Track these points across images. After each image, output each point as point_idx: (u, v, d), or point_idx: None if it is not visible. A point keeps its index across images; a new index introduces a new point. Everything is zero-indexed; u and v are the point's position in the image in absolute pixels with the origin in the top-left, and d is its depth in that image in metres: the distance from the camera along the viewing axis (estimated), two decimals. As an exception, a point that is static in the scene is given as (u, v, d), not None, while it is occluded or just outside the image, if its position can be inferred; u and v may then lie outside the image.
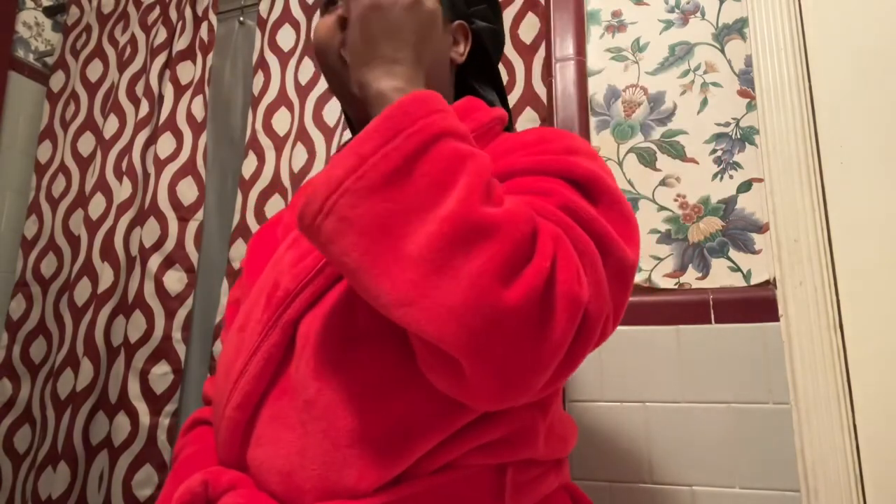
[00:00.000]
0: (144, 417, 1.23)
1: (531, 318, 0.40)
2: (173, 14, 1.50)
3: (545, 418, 0.56)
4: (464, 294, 0.39)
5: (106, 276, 1.34)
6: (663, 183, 1.08)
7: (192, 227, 1.35)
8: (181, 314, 1.30)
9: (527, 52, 1.16)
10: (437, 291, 0.39)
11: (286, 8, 1.38)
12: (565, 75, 1.15)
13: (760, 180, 1.02)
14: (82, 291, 1.38)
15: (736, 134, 1.06)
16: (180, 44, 1.46)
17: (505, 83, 0.89)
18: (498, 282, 0.39)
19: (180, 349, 1.28)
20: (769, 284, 0.98)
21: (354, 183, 0.41)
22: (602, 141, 1.13)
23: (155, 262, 1.31)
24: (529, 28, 1.17)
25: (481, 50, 0.72)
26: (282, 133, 1.31)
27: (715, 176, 1.05)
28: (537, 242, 0.42)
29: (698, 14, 1.13)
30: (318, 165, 1.25)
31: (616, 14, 1.18)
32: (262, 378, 0.54)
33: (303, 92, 1.32)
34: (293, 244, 0.60)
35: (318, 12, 1.36)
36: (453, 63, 0.69)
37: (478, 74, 0.73)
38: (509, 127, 0.70)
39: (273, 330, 0.55)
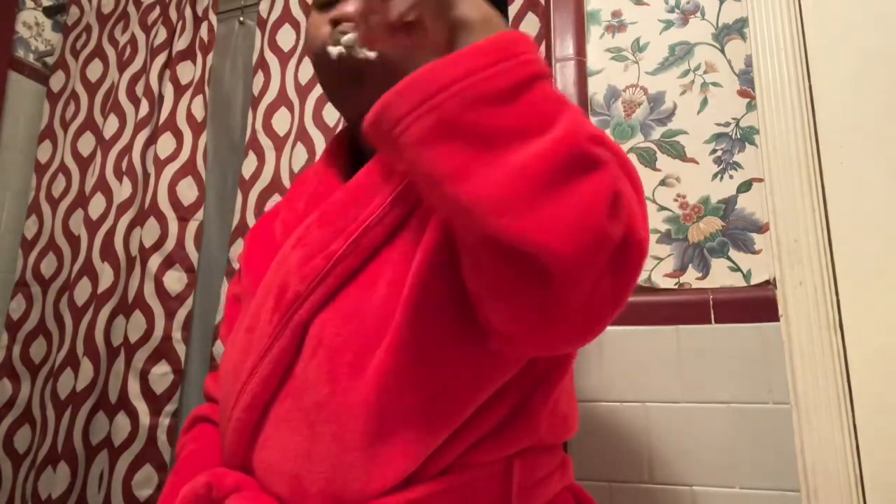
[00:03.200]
0: (144, 417, 1.23)
1: (621, 253, 0.41)
2: (173, 14, 1.50)
3: (546, 399, 0.56)
4: (577, 211, 0.39)
5: (106, 276, 1.34)
6: (663, 183, 1.08)
7: (192, 227, 1.35)
8: (181, 314, 1.30)
9: (527, 52, 1.16)
10: (549, 204, 0.38)
11: (286, 8, 1.38)
12: (565, 75, 1.15)
13: (760, 180, 1.02)
14: (82, 291, 1.38)
15: (736, 134, 1.06)
16: (180, 44, 1.45)
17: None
18: (607, 210, 0.39)
19: (180, 349, 1.28)
20: (769, 284, 0.98)
21: (464, 90, 0.40)
22: (602, 141, 1.13)
23: (155, 262, 1.31)
24: (529, 28, 1.17)
25: None
26: (282, 133, 1.31)
27: (715, 176, 1.05)
28: (621, 188, 0.42)
29: (698, 14, 1.13)
30: (318, 165, 1.25)
31: (616, 14, 1.18)
32: (271, 380, 0.54)
33: (303, 92, 1.32)
34: (298, 242, 0.59)
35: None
36: None
37: None
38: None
39: (283, 332, 0.54)
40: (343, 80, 0.60)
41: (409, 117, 0.40)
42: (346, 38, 0.56)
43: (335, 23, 0.60)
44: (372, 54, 0.55)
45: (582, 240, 0.38)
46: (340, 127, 1.25)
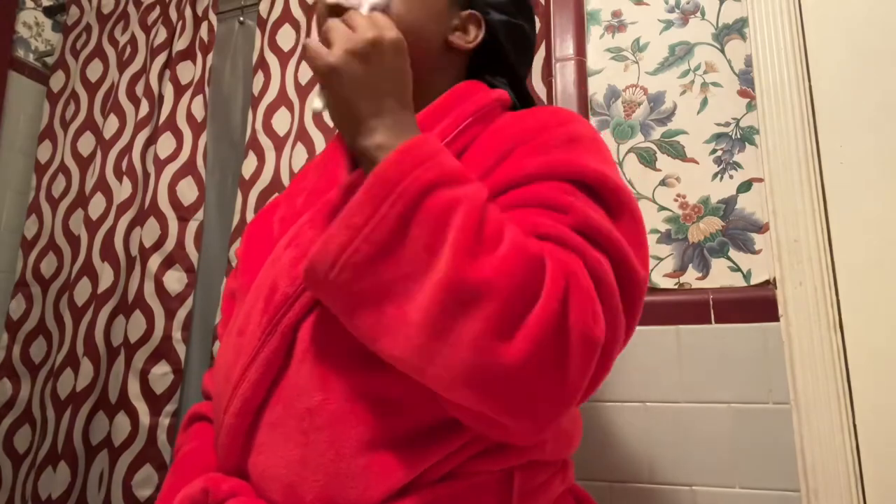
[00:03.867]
0: (144, 417, 1.23)
1: (543, 363, 0.41)
2: (173, 14, 1.50)
3: None
4: (465, 358, 0.41)
5: (106, 276, 1.34)
6: (663, 183, 1.08)
7: (192, 226, 1.35)
8: (181, 314, 1.30)
9: (527, 52, 1.16)
10: (441, 358, 0.41)
11: (286, 8, 1.38)
12: (565, 75, 1.15)
13: (760, 180, 1.02)
14: (82, 291, 1.38)
15: (736, 134, 1.06)
16: (180, 44, 1.45)
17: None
18: (497, 340, 0.40)
19: (180, 349, 1.28)
20: (769, 284, 0.98)
21: (350, 258, 0.44)
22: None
23: (155, 262, 1.31)
24: (529, 28, 1.16)
25: (495, 42, 0.70)
26: (282, 133, 1.31)
27: (715, 176, 1.05)
28: (545, 281, 0.42)
29: (698, 14, 1.13)
30: (318, 165, 1.25)
31: (616, 14, 1.18)
32: (261, 384, 0.53)
33: (303, 92, 1.31)
34: (292, 242, 0.58)
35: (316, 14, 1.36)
36: (457, 47, 0.66)
37: (491, 66, 0.70)
38: (517, 106, 0.68)
39: (272, 336, 0.53)
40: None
41: (321, 295, 0.47)
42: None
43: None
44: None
45: (480, 382, 0.41)
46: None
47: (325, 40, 0.50)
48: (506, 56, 0.71)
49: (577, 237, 0.47)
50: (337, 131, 1.33)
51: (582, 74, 1.15)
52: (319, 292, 0.47)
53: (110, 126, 1.48)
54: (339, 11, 0.58)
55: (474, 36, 0.68)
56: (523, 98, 0.72)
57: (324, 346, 0.52)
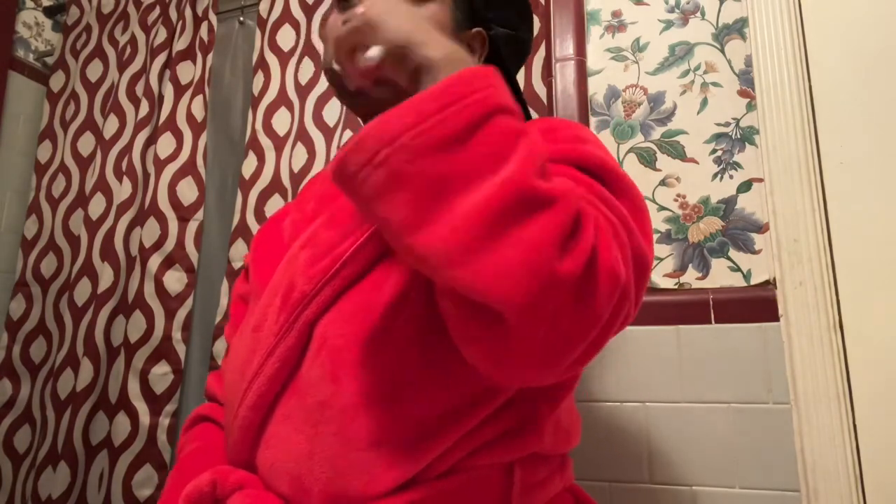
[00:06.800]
0: (144, 417, 1.23)
1: (581, 288, 0.40)
2: (173, 14, 1.50)
3: (552, 411, 0.57)
4: (522, 256, 0.39)
5: (106, 276, 1.34)
6: (663, 183, 1.08)
7: (192, 227, 1.35)
8: (181, 314, 1.30)
9: (527, 52, 1.16)
10: (494, 254, 0.39)
11: (286, 8, 1.38)
12: (565, 75, 1.15)
13: (760, 180, 1.02)
14: (82, 291, 1.38)
15: (736, 134, 1.06)
16: (180, 44, 1.45)
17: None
18: (555, 249, 0.39)
19: (180, 349, 1.28)
20: (769, 284, 0.98)
21: (413, 139, 0.40)
22: (602, 141, 1.13)
23: (155, 262, 1.31)
24: (529, 28, 1.17)
25: (496, 56, 0.71)
26: (282, 133, 1.31)
27: (715, 176, 1.05)
28: (581, 221, 0.42)
29: (698, 14, 1.13)
30: (318, 165, 1.25)
31: (616, 14, 1.18)
32: (276, 379, 0.55)
33: (303, 92, 1.32)
34: (308, 243, 0.59)
35: (317, 13, 1.36)
36: None
37: None
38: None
39: (289, 332, 0.55)
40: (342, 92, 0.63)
41: (363, 172, 0.41)
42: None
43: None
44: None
45: (529, 284, 0.39)
46: (341, 127, 1.25)
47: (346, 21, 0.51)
48: (507, 69, 0.72)
49: (596, 199, 0.48)
50: (340, 133, 1.33)
51: (582, 74, 1.15)
52: (364, 170, 0.42)
53: (110, 126, 1.48)
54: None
55: (479, 55, 0.69)
56: (525, 110, 0.73)
57: (338, 343, 0.53)
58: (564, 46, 1.16)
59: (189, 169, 1.38)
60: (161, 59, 1.47)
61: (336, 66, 0.53)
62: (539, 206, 0.40)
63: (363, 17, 0.47)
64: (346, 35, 0.48)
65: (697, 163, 1.07)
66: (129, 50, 1.54)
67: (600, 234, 0.43)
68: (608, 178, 0.52)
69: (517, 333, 0.41)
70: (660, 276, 1.04)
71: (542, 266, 0.39)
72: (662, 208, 1.07)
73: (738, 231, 1.02)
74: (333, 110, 1.28)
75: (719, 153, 1.06)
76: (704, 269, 1.02)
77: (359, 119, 0.71)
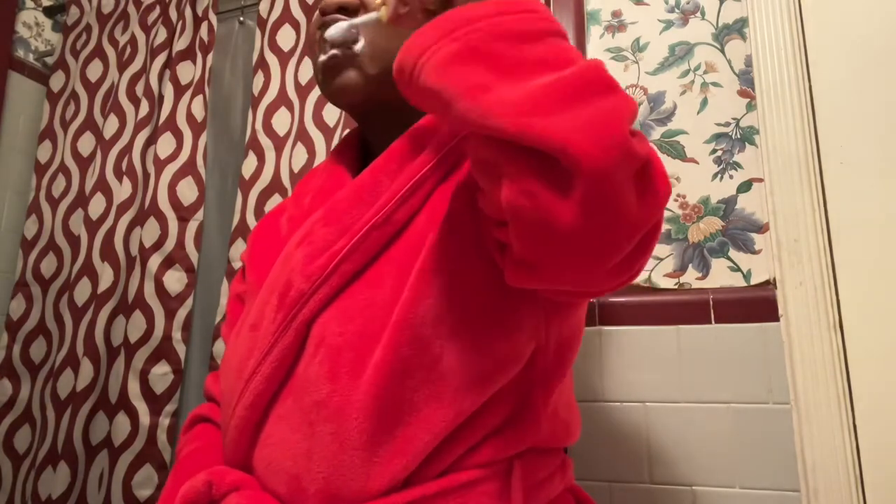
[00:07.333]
0: (144, 417, 1.23)
1: (644, 174, 0.40)
2: (173, 14, 1.50)
3: (548, 398, 0.56)
4: (603, 118, 0.38)
5: (106, 276, 1.34)
6: (663, 183, 1.08)
7: (192, 227, 1.35)
8: (181, 314, 1.30)
9: (527, 52, 1.16)
10: (572, 111, 0.38)
11: (286, 8, 1.38)
12: (565, 75, 1.15)
13: (760, 180, 1.02)
14: (82, 291, 1.38)
15: (736, 134, 1.06)
16: (180, 44, 1.45)
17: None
18: (628, 127, 0.39)
19: (180, 349, 1.28)
20: (769, 284, 0.98)
21: (492, 26, 0.42)
22: (602, 141, 1.13)
23: (155, 262, 1.31)
24: (529, 28, 1.17)
25: None
26: (282, 133, 1.31)
27: (715, 176, 1.05)
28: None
29: (698, 14, 1.13)
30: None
31: (616, 14, 1.18)
32: (274, 378, 0.54)
33: (303, 92, 1.32)
34: (303, 240, 0.59)
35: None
36: None
37: None
38: None
39: (287, 331, 0.54)
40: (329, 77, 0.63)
41: (437, 44, 0.42)
42: (329, 34, 0.59)
43: (323, 24, 0.61)
44: (358, 47, 0.58)
45: (608, 143, 0.37)
46: (341, 127, 1.25)
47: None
48: None
49: None
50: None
51: (582, 74, 1.15)
52: (439, 42, 0.42)
53: (110, 126, 1.48)
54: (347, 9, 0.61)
55: None
56: None
57: (335, 341, 0.53)
58: (564, 46, 1.16)
59: (189, 169, 1.38)
60: (161, 59, 1.47)
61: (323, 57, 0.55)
62: (612, 91, 0.40)
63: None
64: None
65: (697, 163, 1.07)
66: (129, 50, 1.54)
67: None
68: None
69: (586, 195, 0.37)
70: (660, 276, 1.04)
71: (621, 132, 0.38)
72: (662, 208, 1.07)
73: (738, 231, 1.02)
74: (333, 110, 1.28)
75: (719, 153, 1.06)
76: (704, 269, 1.02)
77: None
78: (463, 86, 0.41)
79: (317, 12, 0.64)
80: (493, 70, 0.41)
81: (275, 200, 1.27)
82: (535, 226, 0.40)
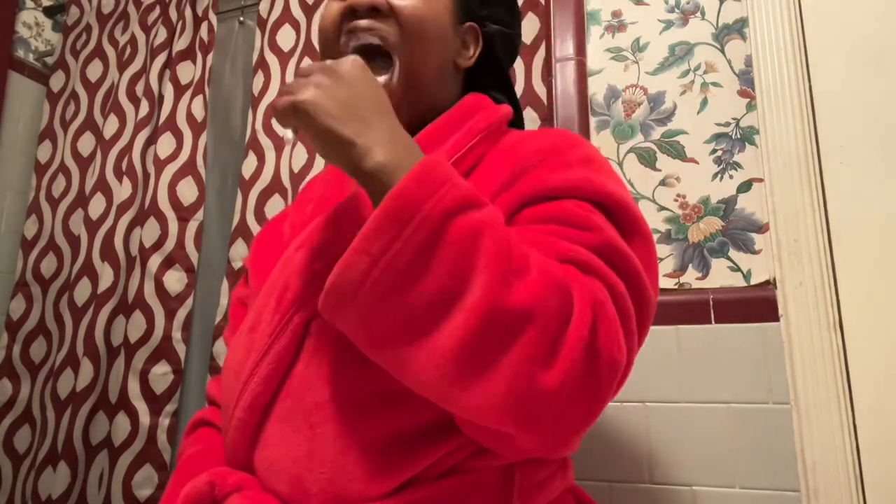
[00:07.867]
0: (144, 417, 1.23)
1: (578, 388, 0.41)
2: (173, 14, 1.50)
3: None
4: (506, 385, 0.40)
5: (106, 276, 1.34)
6: (663, 183, 1.08)
7: (192, 227, 1.35)
8: (181, 314, 1.30)
9: (527, 52, 1.16)
10: (479, 385, 0.40)
11: (286, 8, 1.38)
12: (565, 75, 1.15)
13: (760, 180, 1.02)
14: (82, 291, 1.38)
15: (736, 134, 1.06)
16: (180, 44, 1.45)
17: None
18: (538, 366, 0.40)
19: (180, 349, 1.28)
20: (769, 284, 0.98)
21: (371, 289, 0.41)
22: (602, 141, 1.13)
23: (155, 262, 1.31)
24: (529, 28, 1.17)
25: (492, 54, 0.71)
26: (282, 133, 1.31)
27: (715, 176, 1.05)
28: (574, 308, 0.42)
29: (698, 14, 1.13)
30: (318, 165, 1.25)
31: (616, 14, 1.18)
32: (271, 380, 0.54)
33: (303, 92, 1.31)
34: (303, 244, 0.59)
35: (317, 13, 1.36)
36: (459, 66, 0.68)
37: (487, 78, 0.72)
38: (515, 123, 0.70)
39: (283, 332, 0.55)
40: None
41: (341, 324, 0.45)
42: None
43: (351, 30, 0.61)
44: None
45: (518, 408, 0.41)
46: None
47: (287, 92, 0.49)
48: (502, 68, 0.73)
49: (599, 261, 0.47)
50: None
51: (582, 74, 1.15)
52: (338, 321, 0.44)
53: (110, 126, 1.48)
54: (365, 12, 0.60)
55: (474, 51, 0.69)
56: (518, 110, 0.74)
57: (333, 343, 0.53)
58: (564, 46, 1.16)
59: (189, 169, 1.38)
60: (161, 59, 1.47)
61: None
62: (514, 325, 0.40)
63: (296, 100, 0.47)
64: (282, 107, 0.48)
65: (697, 163, 1.07)
66: (129, 50, 1.54)
67: (601, 317, 0.43)
68: (622, 216, 0.53)
69: (521, 441, 0.44)
70: (660, 276, 1.04)
71: (528, 388, 0.40)
72: (662, 208, 1.07)
73: (738, 231, 1.02)
74: (333, 110, 1.27)
75: (719, 153, 1.06)
76: (704, 269, 1.02)
77: None
78: (383, 363, 0.45)
79: (338, 4, 0.62)
80: (398, 340, 0.42)
81: (275, 200, 1.27)
82: (498, 451, 0.49)
